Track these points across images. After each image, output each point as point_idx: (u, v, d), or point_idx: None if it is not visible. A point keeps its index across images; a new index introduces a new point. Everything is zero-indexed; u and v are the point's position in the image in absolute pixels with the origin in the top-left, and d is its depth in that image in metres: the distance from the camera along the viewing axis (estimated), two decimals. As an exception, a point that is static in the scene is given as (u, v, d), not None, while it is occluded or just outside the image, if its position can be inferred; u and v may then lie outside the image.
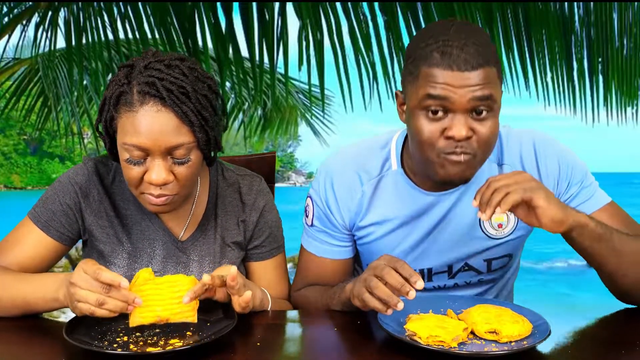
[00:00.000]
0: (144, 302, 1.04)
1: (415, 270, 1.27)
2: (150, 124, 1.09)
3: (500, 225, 1.34)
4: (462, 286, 1.43)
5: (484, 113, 1.13)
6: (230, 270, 1.08)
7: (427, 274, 1.39)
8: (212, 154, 1.25)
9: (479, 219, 1.32)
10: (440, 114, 1.14)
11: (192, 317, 1.07)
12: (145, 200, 1.19)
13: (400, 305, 1.01)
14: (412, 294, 1.01)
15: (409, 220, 1.34)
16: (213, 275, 1.08)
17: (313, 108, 5.85)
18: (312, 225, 1.40)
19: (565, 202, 1.25)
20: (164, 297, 1.05)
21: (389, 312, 1.04)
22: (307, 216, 1.42)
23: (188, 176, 1.17)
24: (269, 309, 1.25)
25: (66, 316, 1.21)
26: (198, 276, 1.27)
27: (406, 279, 1.03)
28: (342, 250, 1.40)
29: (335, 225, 1.37)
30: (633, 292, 1.20)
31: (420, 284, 1.02)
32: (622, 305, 1.25)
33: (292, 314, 1.28)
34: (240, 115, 5.10)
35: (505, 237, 1.35)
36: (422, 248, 1.36)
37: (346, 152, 1.40)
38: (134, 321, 1.05)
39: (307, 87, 3.76)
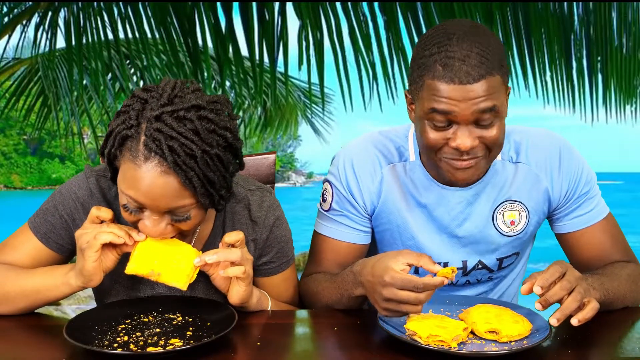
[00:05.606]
0: (144, 251, 1.09)
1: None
2: (151, 184, 1.01)
3: (512, 222, 1.36)
4: (472, 283, 1.45)
5: (489, 122, 1.14)
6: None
7: None
8: (219, 207, 1.13)
9: (492, 216, 1.35)
10: (445, 125, 1.16)
11: (183, 283, 1.10)
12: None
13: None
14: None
15: (425, 212, 1.36)
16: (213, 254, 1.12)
17: (313, 106, 5.86)
18: (329, 209, 1.39)
19: (569, 211, 1.35)
20: (164, 253, 1.10)
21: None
22: (324, 201, 1.41)
23: (188, 230, 1.11)
24: (268, 309, 1.24)
25: (66, 315, 1.20)
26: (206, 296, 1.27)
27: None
28: (360, 235, 1.40)
29: (357, 207, 1.37)
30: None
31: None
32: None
33: (292, 313, 1.28)
34: (240, 114, 5.11)
35: (516, 234, 1.37)
36: (438, 240, 1.38)
37: (365, 137, 1.41)
38: (129, 268, 1.10)
39: (307, 85, 3.77)
